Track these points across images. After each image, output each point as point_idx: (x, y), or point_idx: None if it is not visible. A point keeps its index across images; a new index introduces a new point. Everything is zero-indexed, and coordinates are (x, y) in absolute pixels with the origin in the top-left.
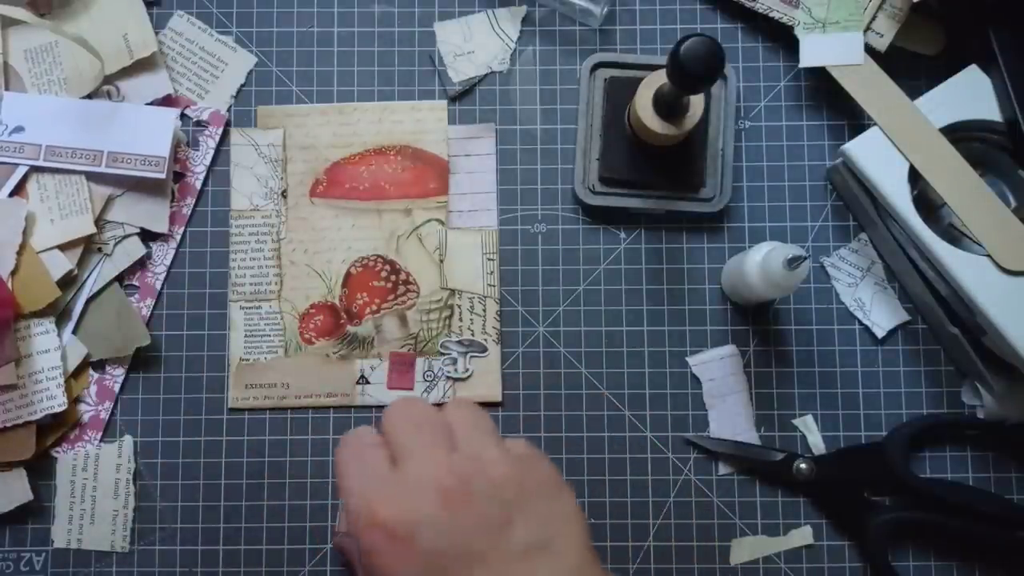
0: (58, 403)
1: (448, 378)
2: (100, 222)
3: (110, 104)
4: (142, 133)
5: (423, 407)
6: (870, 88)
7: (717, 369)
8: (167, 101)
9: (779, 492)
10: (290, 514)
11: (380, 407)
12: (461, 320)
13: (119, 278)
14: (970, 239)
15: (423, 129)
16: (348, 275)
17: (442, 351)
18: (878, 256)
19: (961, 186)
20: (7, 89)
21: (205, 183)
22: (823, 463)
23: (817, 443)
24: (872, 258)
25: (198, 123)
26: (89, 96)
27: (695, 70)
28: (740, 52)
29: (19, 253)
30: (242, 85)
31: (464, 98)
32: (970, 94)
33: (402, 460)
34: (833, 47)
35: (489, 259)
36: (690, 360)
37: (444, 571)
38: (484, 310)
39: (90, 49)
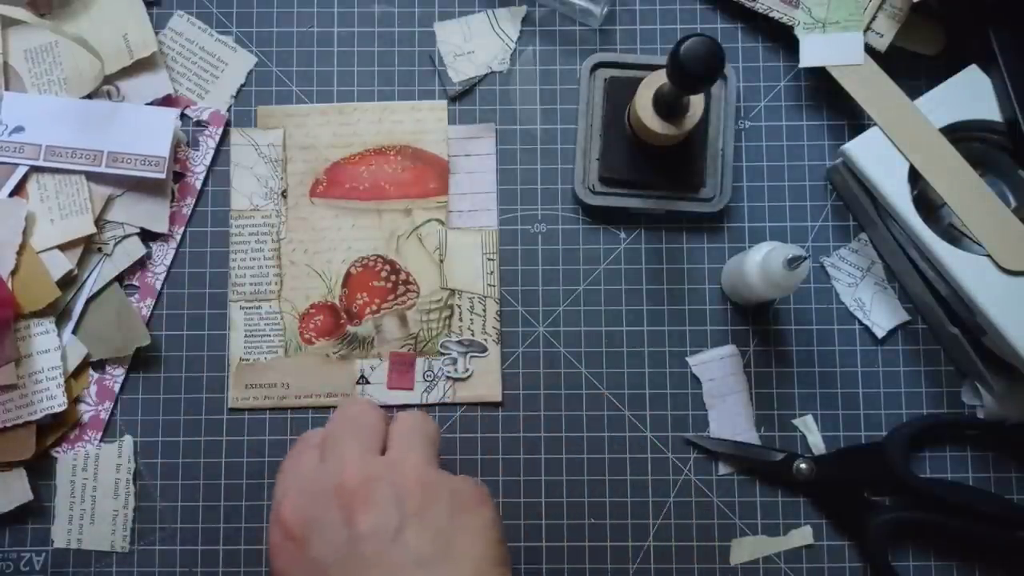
0: (58, 403)
1: (448, 378)
2: (100, 222)
3: (110, 104)
4: (142, 133)
5: (366, 408)
6: (870, 88)
7: (717, 369)
8: (167, 101)
9: (779, 492)
10: None
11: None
12: (461, 320)
13: (119, 278)
14: (970, 239)
15: (423, 129)
16: (348, 275)
17: (442, 351)
18: (878, 256)
19: (961, 186)
20: (7, 89)
21: (205, 183)
22: (823, 463)
23: (817, 443)
24: (872, 258)
25: (198, 123)
26: (89, 96)
27: (695, 70)
28: (740, 52)
29: (19, 253)
30: (242, 85)
31: (464, 98)
32: (970, 94)
33: (324, 458)
34: (833, 47)
35: (489, 259)
36: (690, 360)
37: (338, 567)
38: (484, 310)
39: (90, 49)
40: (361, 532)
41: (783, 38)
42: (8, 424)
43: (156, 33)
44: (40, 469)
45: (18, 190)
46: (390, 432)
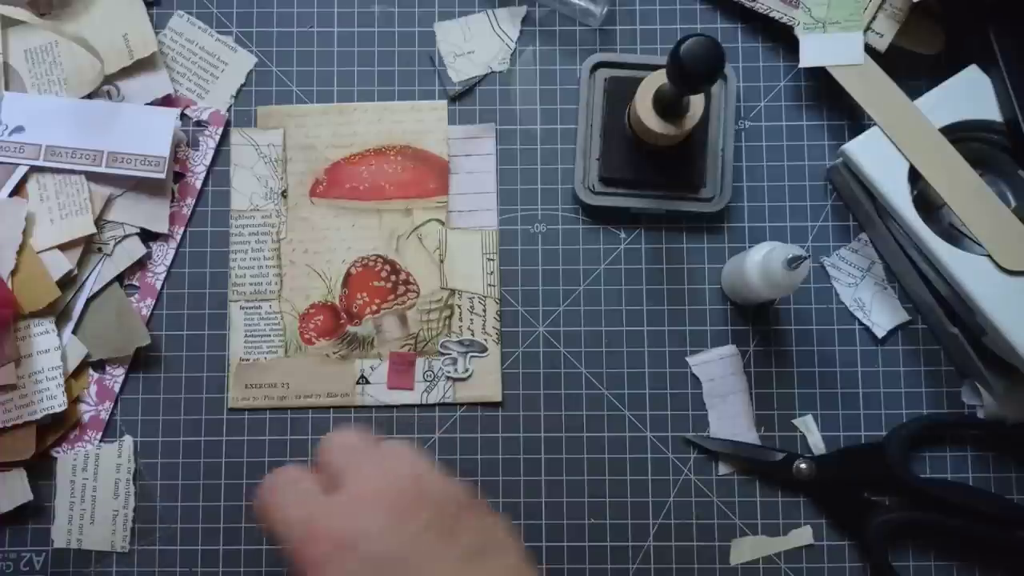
0: (58, 403)
1: (448, 378)
2: (100, 222)
3: (110, 104)
4: (142, 133)
5: (359, 435)
6: (870, 88)
7: (717, 369)
8: (167, 101)
9: (779, 492)
10: None
11: (380, 407)
12: (461, 320)
13: (119, 278)
14: (970, 239)
15: (423, 129)
16: (348, 275)
17: (442, 351)
18: (878, 256)
19: (961, 186)
20: (7, 89)
21: (205, 183)
22: (823, 463)
23: (817, 443)
24: (872, 258)
25: (198, 123)
26: (89, 96)
27: (695, 70)
28: (740, 52)
29: (19, 253)
30: (242, 85)
31: (464, 98)
32: (970, 94)
33: (341, 483)
34: (833, 47)
35: (489, 259)
36: (690, 360)
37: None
38: (484, 310)
39: (90, 49)
40: (414, 532)
41: (783, 38)
42: (8, 424)
43: (156, 33)
44: (40, 469)
45: (18, 190)
46: (388, 455)
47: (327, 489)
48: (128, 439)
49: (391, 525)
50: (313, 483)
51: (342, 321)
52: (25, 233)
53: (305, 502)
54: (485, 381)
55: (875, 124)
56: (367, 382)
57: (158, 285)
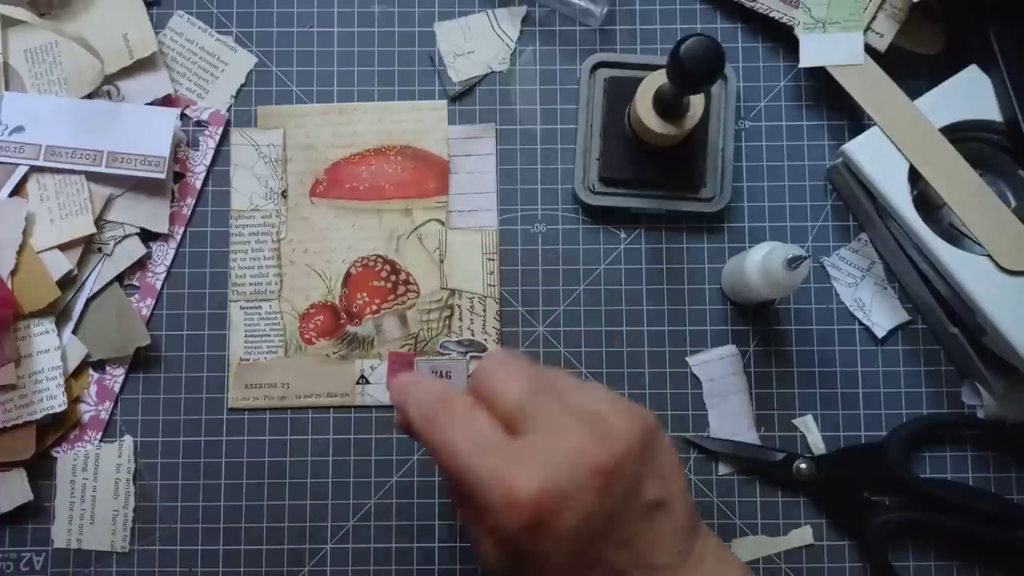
0: (58, 403)
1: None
2: (100, 222)
3: (110, 104)
4: (142, 133)
5: (525, 363)
6: (870, 88)
7: (717, 369)
8: (167, 101)
9: (779, 492)
10: (290, 514)
11: (380, 407)
12: (461, 320)
13: (119, 278)
14: (970, 239)
15: (423, 129)
16: (348, 275)
17: (442, 351)
18: (878, 256)
19: (961, 186)
20: (7, 89)
21: (205, 183)
22: (823, 463)
23: (817, 443)
24: (872, 258)
25: (198, 123)
26: (89, 96)
27: (695, 70)
28: (740, 52)
29: (19, 253)
30: (242, 85)
31: (464, 98)
32: (970, 94)
33: (528, 427)
34: (833, 47)
35: (489, 259)
36: (690, 360)
37: (591, 543)
38: (484, 310)
39: (90, 49)
40: (617, 495)
41: (783, 38)
42: (8, 424)
43: (156, 33)
44: (40, 469)
45: (18, 190)
46: (550, 389)
47: (507, 429)
48: (128, 439)
49: (595, 489)
50: (487, 424)
51: (342, 321)
52: (25, 233)
53: (484, 447)
54: None
55: (875, 124)
56: (367, 382)
57: (158, 285)
